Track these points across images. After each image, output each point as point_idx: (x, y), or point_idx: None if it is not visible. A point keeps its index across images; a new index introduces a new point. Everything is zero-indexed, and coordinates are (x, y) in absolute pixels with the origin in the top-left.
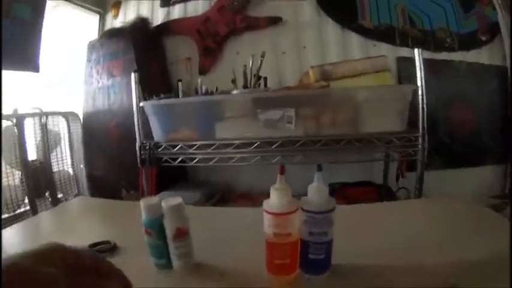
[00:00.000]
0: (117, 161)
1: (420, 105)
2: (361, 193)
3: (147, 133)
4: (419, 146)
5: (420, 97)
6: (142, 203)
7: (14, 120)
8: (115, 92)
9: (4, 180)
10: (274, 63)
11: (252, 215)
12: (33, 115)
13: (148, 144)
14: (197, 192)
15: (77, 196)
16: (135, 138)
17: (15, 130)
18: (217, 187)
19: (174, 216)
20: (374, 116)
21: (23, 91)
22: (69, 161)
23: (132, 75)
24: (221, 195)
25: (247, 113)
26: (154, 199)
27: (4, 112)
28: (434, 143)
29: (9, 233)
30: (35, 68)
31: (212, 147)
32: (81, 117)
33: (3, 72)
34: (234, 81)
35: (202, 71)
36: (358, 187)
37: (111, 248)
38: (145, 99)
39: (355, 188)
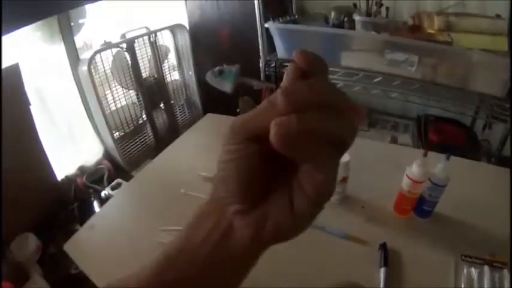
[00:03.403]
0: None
1: None
2: (451, 131)
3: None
4: None
5: None
6: None
7: (125, 45)
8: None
9: (121, 100)
10: None
11: (390, 151)
12: (142, 36)
13: (274, 61)
14: None
15: (187, 100)
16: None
17: (126, 55)
18: None
19: (344, 169)
20: (483, 77)
21: (128, 14)
22: (178, 70)
23: None
24: None
25: (375, 49)
26: None
27: (114, 40)
28: None
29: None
30: None
31: (337, 74)
32: (187, 27)
33: None
34: (355, 6)
35: None
36: (449, 124)
37: None
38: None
39: (446, 124)
